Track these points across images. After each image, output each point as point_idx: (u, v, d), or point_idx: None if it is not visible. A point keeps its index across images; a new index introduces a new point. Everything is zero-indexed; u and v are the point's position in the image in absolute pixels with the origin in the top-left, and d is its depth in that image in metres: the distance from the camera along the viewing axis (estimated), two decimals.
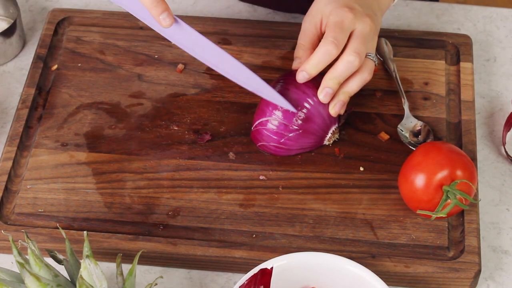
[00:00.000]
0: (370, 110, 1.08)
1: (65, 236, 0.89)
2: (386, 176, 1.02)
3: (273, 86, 1.03)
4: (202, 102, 1.09)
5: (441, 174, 0.93)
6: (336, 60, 0.97)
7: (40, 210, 0.99)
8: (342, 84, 0.99)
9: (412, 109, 1.08)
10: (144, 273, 0.98)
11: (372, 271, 0.92)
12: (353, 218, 0.99)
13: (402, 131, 1.06)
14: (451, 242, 0.97)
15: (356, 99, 1.06)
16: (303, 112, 1.00)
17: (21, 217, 0.99)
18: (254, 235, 0.98)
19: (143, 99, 1.09)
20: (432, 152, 0.95)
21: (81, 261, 0.87)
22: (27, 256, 0.87)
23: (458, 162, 0.94)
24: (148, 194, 1.01)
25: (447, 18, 1.20)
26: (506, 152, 1.06)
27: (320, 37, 1.01)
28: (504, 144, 1.06)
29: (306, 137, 1.02)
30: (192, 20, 1.16)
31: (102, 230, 0.98)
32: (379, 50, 1.12)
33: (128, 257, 0.96)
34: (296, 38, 1.04)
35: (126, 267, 0.95)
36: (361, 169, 1.03)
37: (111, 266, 0.98)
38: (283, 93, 1.01)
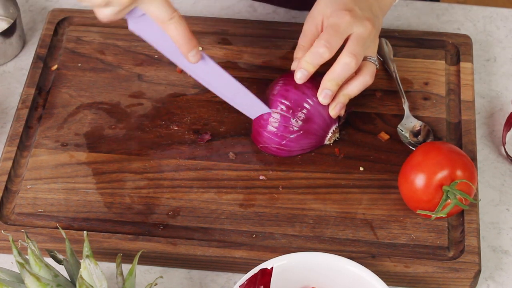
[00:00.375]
0: (370, 110, 1.08)
1: (65, 236, 0.89)
2: (386, 176, 1.02)
3: (273, 87, 1.03)
4: (202, 102, 1.09)
5: (441, 174, 0.93)
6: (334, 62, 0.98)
7: (40, 210, 0.99)
8: (342, 86, 1.00)
9: (412, 109, 1.08)
10: (144, 273, 0.98)
11: (372, 271, 0.92)
12: (353, 218, 0.99)
13: (402, 131, 1.06)
14: (451, 242, 0.97)
15: (356, 99, 1.06)
16: (303, 112, 1.00)
17: (21, 217, 0.99)
18: (254, 235, 0.98)
19: (143, 99, 1.09)
20: (432, 152, 0.95)
21: (81, 261, 0.87)
22: (27, 256, 0.87)
23: (458, 162, 0.94)
24: (148, 194, 1.01)
25: (447, 18, 1.20)
26: (506, 152, 1.06)
27: None
28: (504, 144, 1.06)
29: (307, 138, 1.02)
30: (192, 20, 1.16)
31: (102, 230, 0.98)
32: (379, 50, 1.12)
33: (128, 257, 0.96)
34: (296, 38, 1.04)
35: (126, 267, 0.95)
36: (361, 169, 1.03)
37: (111, 266, 0.98)
38: (283, 93, 1.01)
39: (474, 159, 1.03)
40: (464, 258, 0.95)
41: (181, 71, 1.12)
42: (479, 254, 0.96)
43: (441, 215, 0.94)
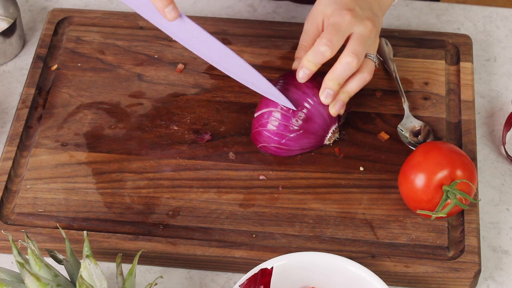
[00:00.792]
0: (370, 110, 1.08)
1: (65, 236, 0.89)
2: (386, 176, 1.02)
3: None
4: (202, 102, 1.09)
5: (441, 174, 0.94)
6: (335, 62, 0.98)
7: (40, 210, 0.99)
8: (342, 85, 1.00)
9: (412, 109, 1.08)
10: (144, 273, 0.98)
11: (372, 271, 0.92)
12: (353, 218, 0.99)
13: (402, 131, 1.06)
14: (451, 242, 0.97)
15: (356, 99, 1.06)
16: (303, 112, 1.00)
17: (21, 217, 0.99)
18: (254, 235, 0.98)
19: (143, 99, 1.09)
20: (432, 152, 0.95)
21: (81, 261, 0.87)
22: (27, 256, 0.87)
23: (458, 162, 0.94)
24: (148, 194, 1.01)
25: (447, 18, 1.20)
26: (506, 152, 1.06)
27: None
28: (504, 144, 1.06)
29: (307, 137, 1.02)
30: (192, 20, 1.16)
31: (102, 230, 0.98)
32: (379, 50, 1.12)
33: (128, 257, 0.96)
34: (296, 38, 1.04)
35: (126, 267, 0.96)
36: (361, 169, 1.03)
37: (111, 266, 0.98)
38: (283, 93, 1.01)
39: (474, 159, 1.03)
40: (464, 258, 0.95)
41: (181, 71, 1.12)
42: (479, 254, 0.96)
43: (441, 215, 0.94)
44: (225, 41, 1.15)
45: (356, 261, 0.93)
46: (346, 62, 0.97)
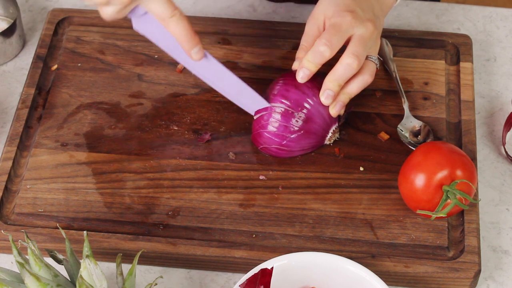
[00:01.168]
0: (370, 110, 1.08)
1: (65, 236, 0.89)
2: (386, 176, 1.02)
3: (273, 86, 1.03)
4: (202, 102, 1.09)
5: (441, 174, 0.94)
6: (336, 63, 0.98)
7: (40, 210, 0.99)
8: (343, 85, 1.00)
9: (412, 109, 1.08)
10: (144, 273, 0.98)
11: (372, 271, 0.92)
12: (353, 218, 0.99)
13: (402, 131, 1.06)
14: (451, 242, 0.97)
15: (356, 99, 1.06)
16: (303, 112, 1.00)
17: (21, 217, 0.99)
18: (254, 235, 0.98)
19: (143, 99, 1.09)
20: (432, 152, 0.95)
21: (81, 261, 0.87)
22: (27, 256, 0.87)
23: (458, 162, 0.94)
24: (148, 194, 1.01)
25: (447, 18, 1.20)
26: (506, 152, 1.06)
27: None
28: (504, 144, 1.06)
29: (307, 137, 1.02)
30: (192, 20, 1.15)
31: (102, 230, 0.98)
32: (379, 50, 1.12)
33: (128, 257, 0.96)
34: (296, 38, 1.04)
35: (126, 267, 0.95)
36: (361, 169, 1.03)
37: (111, 266, 0.98)
38: (283, 93, 1.01)
39: (474, 159, 1.03)
40: (464, 258, 0.95)
41: (181, 71, 1.12)
42: (479, 254, 0.96)
43: (441, 215, 0.94)
44: (225, 41, 1.15)
45: (356, 261, 0.93)
46: (347, 63, 0.97)
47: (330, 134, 1.03)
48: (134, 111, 1.08)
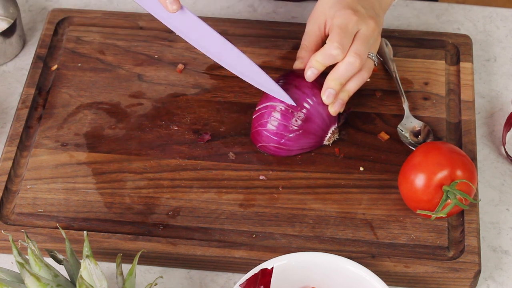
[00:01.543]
0: (370, 110, 1.08)
1: (65, 236, 0.89)
2: (386, 176, 1.02)
3: None
4: (202, 102, 1.09)
5: (441, 174, 0.94)
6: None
7: (40, 210, 0.99)
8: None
9: (412, 109, 1.08)
10: (144, 273, 0.98)
11: (372, 271, 0.92)
12: (353, 218, 0.99)
13: (402, 131, 1.06)
14: (451, 242, 0.97)
15: (356, 99, 1.06)
16: (302, 112, 1.00)
17: (21, 217, 0.99)
18: (254, 235, 0.98)
19: (143, 99, 1.09)
20: (432, 152, 0.95)
21: (81, 261, 0.87)
22: (27, 256, 0.87)
23: (458, 162, 0.94)
24: (148, 194, 1.01)
25: (447, 18, 1.20)
26: (506, 152, 1.06)
27: (323, 38, 1.01)
28: (504, 144, 1.06)
29: (306, 137, 1.02)
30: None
31: (102, 230, 0.98)
32: (379, 50, 1.12)
33: (128, 257, 0.96)
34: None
35: (126, 267, 0.96)
36: (361, 169, 1.03)
37: (111, 266, 0.98)
38: None
39: (474, 159, 1.03)
40: (464, 258, 0.95)
41: (181, 71, 1.12)
42: (479, 254, 0.96)
43: (441, 215, 0.94)
44: None
45: (356, 261, 0.93)
46: (349, 62, 0.97)
47: (329, 135, 1.03)
48: (134, 111, 1.08)
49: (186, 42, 1.10)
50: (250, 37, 1.15)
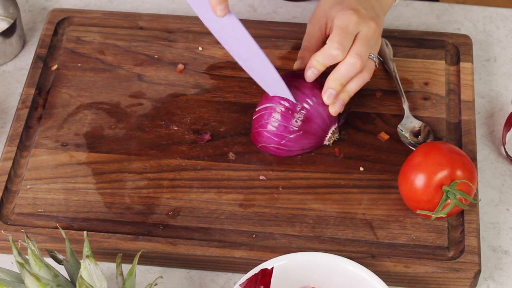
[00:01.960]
0: (370, 110, 1.08)
1: (65, 236, 0.89)
2: (386, 176, 1.02)
3: None
4: (202, 102, 1.09)
5: (441, 174, 0.94)
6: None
7: (40, 210, 0.99)
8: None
9: (412, 109, 1.08)
10: (144, 273, 0.98)
11: (372, 271, 0.92)
12: (353, 218, 0.99)
13: (402, 131, 1.06)
14: (451, 242, 0.97)
15: (356, 99, 1.06)
16: (302, 112, 1.00)
17: (21, 217, 0.99)
18: (254, 235, 0.98)
19: (143, 99, 1.09)
20: (432, 152, 0.95)
21: (81, 261, 0.87)
22: (27, 256, 0.87)
23: (458, 162, 0.94)
24: (148, 194, 1.01)
25: (447, 18, 1.20)
26: (506, 152, 1.06)
27: (324, 39, 1.02)
28: (504, 144, 1.06)
29: (307, 138, 1.02)
30: (192, 20, 1.16)
31: (102, 230, 0.98)
32: (379, 50, 1.12)
33: (128, 257, 0.96)
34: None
35: (126, 267, 0.96)
36: (361, 169, 1.03)
37: (111, 266, 0.98)
38: None
39: (474, 159, 1.03)
40: (464, 258, 0.95)
41: (181, 71, 1.12)
42: (479, 254, 0.96)
43: (441, 215, 0.94)
44: None
45: (356, 261, 0.93)
46: (350, 63, 0.97)
47: (329, 135, 1.03)
48: (134, 111, 1.08)
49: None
50: None
